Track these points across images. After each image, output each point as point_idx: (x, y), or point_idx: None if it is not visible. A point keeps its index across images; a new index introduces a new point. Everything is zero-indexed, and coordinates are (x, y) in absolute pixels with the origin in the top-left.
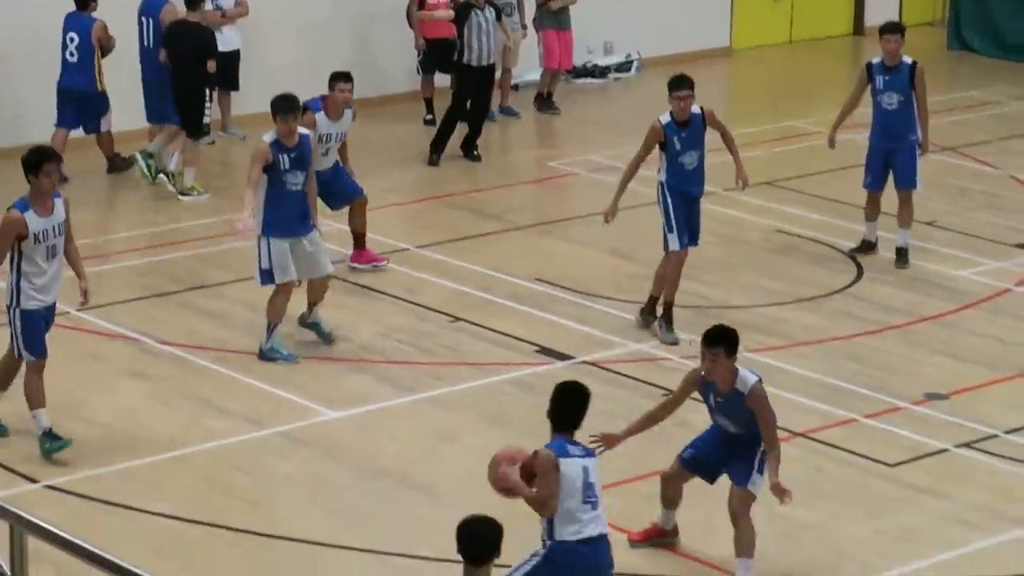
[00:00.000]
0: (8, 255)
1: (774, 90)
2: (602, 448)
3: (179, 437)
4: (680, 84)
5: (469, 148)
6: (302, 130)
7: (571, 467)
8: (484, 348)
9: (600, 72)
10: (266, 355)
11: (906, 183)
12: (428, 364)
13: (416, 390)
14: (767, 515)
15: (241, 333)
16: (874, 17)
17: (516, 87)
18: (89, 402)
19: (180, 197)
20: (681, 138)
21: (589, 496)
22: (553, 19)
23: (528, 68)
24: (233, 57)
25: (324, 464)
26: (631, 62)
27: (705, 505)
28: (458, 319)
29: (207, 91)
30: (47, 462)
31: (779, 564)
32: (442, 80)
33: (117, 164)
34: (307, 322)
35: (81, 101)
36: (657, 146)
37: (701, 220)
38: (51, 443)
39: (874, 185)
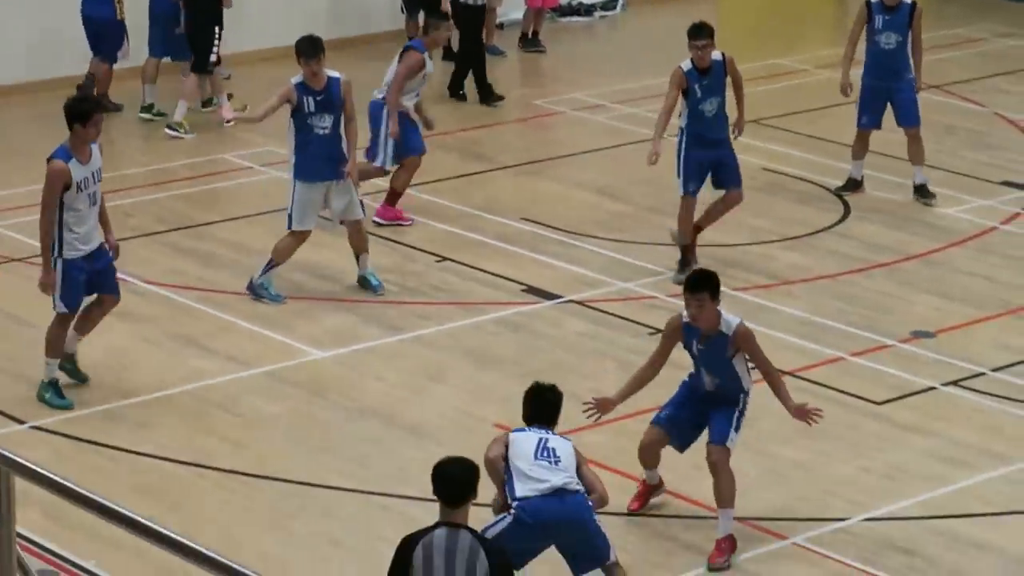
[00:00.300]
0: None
1: (759, 28)
2: (596, 414)
3: (165, 377)
4: (699, 33)
5: (456, 87)
6: (332, 73)
7: (525, 437)
8: (470, 288)
9: (585, 10)
10: (254, 290)
11: (912, 120)
12: (415, 304)
13: (403, 330)
14: (754, 454)
15: (227, 273)
16: None
17: (501, 26)
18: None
19: (166, 130)
20: (702, 85)
21: (542, 456)
22: None
23: (513, 7)
24: None
25: (310, 404)
26: (616, 1)
27: (696, 451)
28: (445, 259)
29: (217, 28)
30: (35, 403)
31: (767, 503)
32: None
33: (105, 104)
34: (359, 275)
35: (99, 29)
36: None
37: (733, 162)
38: (52, 395)
39: (871, 124)
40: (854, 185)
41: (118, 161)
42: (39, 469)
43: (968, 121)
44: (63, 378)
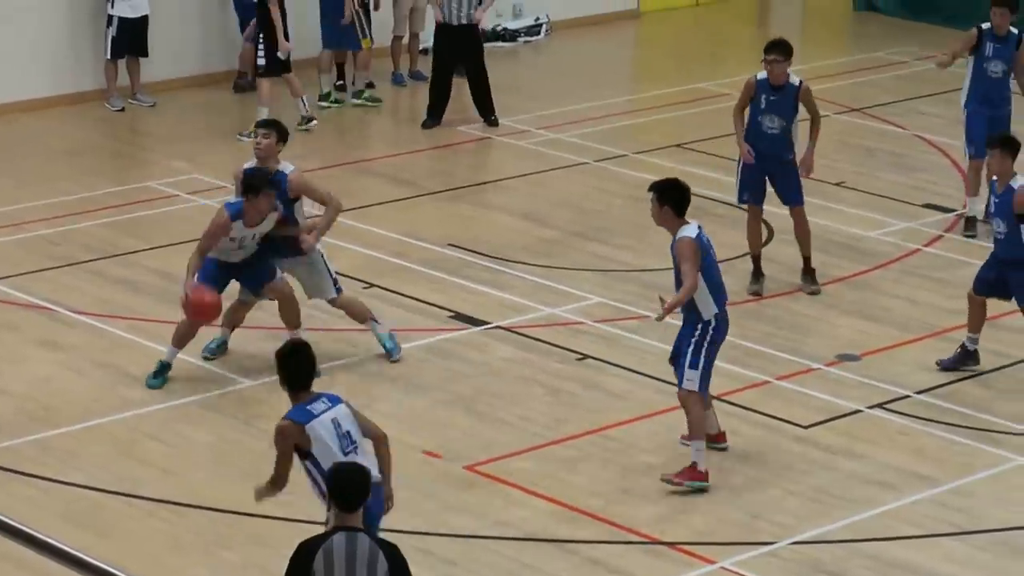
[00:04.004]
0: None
1: (681, 52)
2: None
3: (93, 407)
4: (769, 48)
5: (486, 113)
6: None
7: (321, 427)
8: (398, 314)
9: (509, 36)
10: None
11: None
12: (342, 331)
13: (331, 356)
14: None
15: (154, 301)
16: None
17: (425, 51)
18: (2, 372)
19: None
20: (769, 100)
21: (347, 447)
22: None
23: None
24: (141, 23)
25: (239, 432)
26: (540, 25)
27: (623, 475)
28: (372, 285)
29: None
30: None
31: (693, 527)
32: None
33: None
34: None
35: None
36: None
37: (790, 183)
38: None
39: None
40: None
41: (42, 190)
42: None
43: (889, 143)
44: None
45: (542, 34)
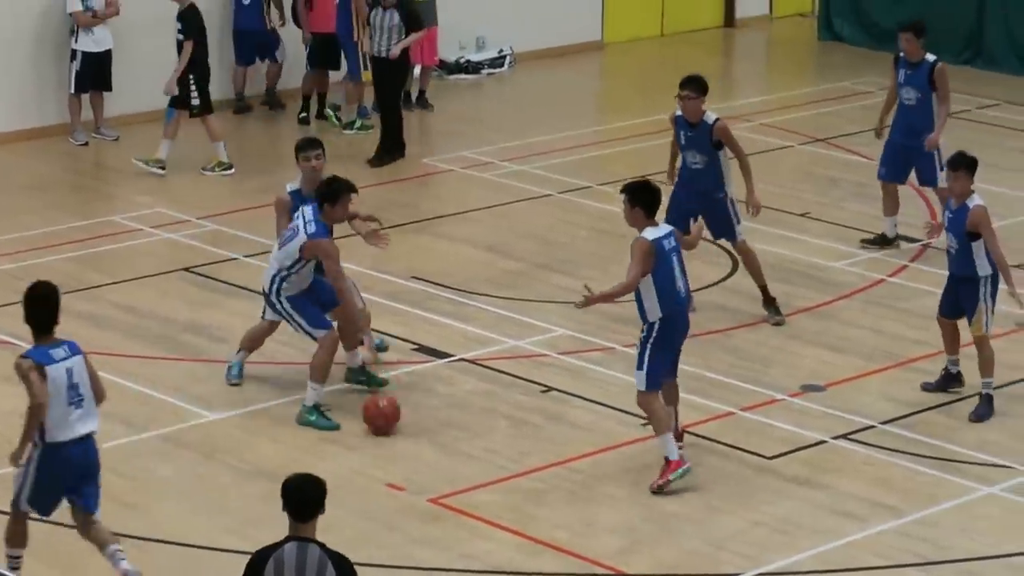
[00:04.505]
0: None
1: (646, 83)
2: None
3: None
4: (683, 84)
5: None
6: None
7: (56, 372)
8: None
9: (473, 68)
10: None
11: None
12: (307, 364)
13: (295, 391)
14: (644, 509)
15: (119, 336)
16: (744, 9)
17: None
18: None
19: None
20: (687, 136)
21: (73, 397)
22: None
23: None
24: (105, 57)
25: (203, 466)
26: (504, 57)
27: (588, 508)
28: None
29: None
30: None
31: (658, 558)
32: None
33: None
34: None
35: (256, 40)
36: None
37: (719, 220)
38: (318, 418)
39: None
40: (885, 240)
41: (3, 224)
42: None
43: (853, 173)
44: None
45: (506, 66)
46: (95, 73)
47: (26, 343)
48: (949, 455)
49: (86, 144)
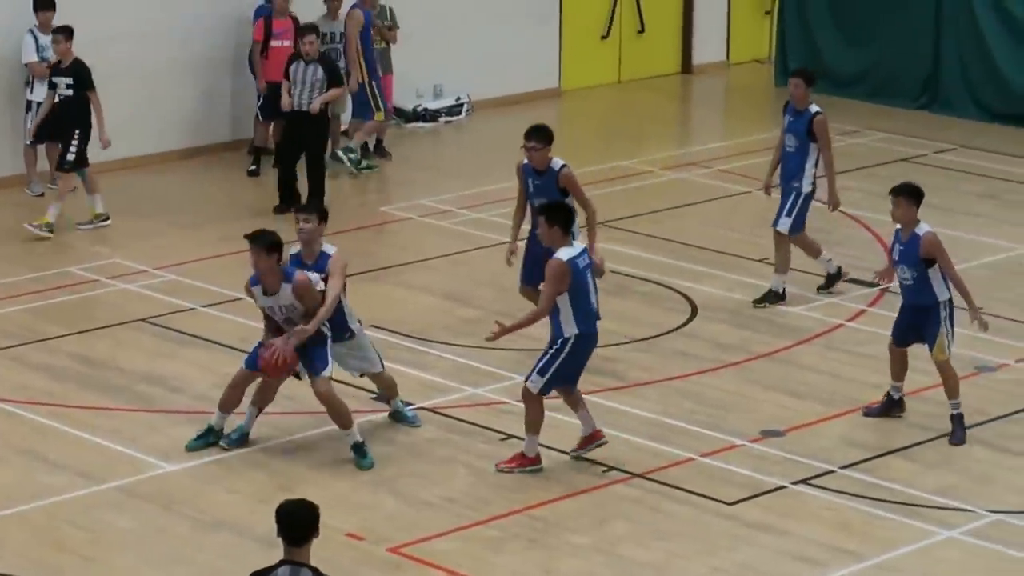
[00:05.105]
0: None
1: (604, 130)
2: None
3: (12, 494)
4: (528, 135)
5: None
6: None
7: None
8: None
9: (430, 116)
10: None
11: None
12: (264, 414)
13: (253, 441)
14: (606, 556)
15: (75, 387)
16: (701, 55)
17: (346, 132)
18: None
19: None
20: (535, 184)
21: None
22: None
23: None
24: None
25: (161, 517)
26: (461, 105)
27: (548, 555)
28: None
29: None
30: None
31: None
32: None
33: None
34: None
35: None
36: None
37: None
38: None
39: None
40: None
41: None
42: None
43: (812, 218)
44: None
45: (463, 114)
46: (50, 124)
47: None
48: (909, 499)
49: (42, 195)
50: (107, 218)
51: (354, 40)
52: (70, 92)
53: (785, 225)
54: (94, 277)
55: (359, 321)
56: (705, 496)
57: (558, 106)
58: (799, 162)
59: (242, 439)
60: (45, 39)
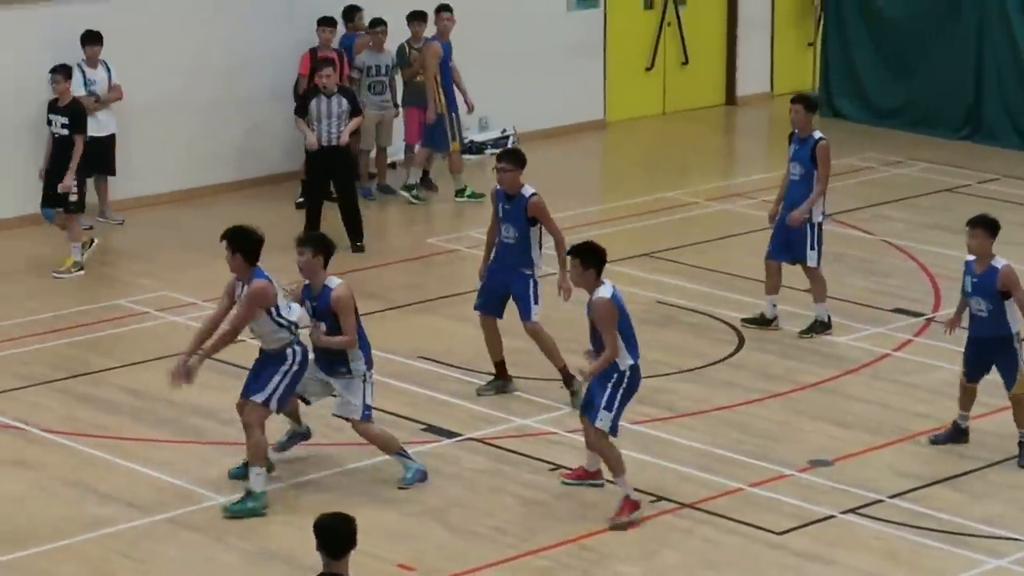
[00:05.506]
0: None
1: (648, 161)
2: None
3: (64, 526)
4: (499, 157)
5: (353, 238)
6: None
7: None
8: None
9: (476, 148)
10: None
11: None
12: (314, 445)
13: (303, 472)
14: None
15: (125, 419)
16: (745, 87)
17: (393, 165)
18: None
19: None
20: (504, 208)
21: None
22: (415, 96)
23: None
24: (108, 142)
25: (212, 548)
26: (507, 137)
27: None
28: None
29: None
30: None
31: None
32: None
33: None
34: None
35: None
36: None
37: (522, 296)
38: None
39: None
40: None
41: (8, 309)
42: None
43: (857, 249)
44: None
45: (509, 144)
46: (98, 158)
47: (33, 428)
48: (957, 528)
49: (91, 228)
50: (82, 268)
51: (432, 71)
52: (65, 132)
53: (813, 259)
54: (143, 309)
55: (368, 370)
56: (754, 526)
57: (603, 137)
58: (804, 191)
59: (293, 438)
60: (93, 73)
